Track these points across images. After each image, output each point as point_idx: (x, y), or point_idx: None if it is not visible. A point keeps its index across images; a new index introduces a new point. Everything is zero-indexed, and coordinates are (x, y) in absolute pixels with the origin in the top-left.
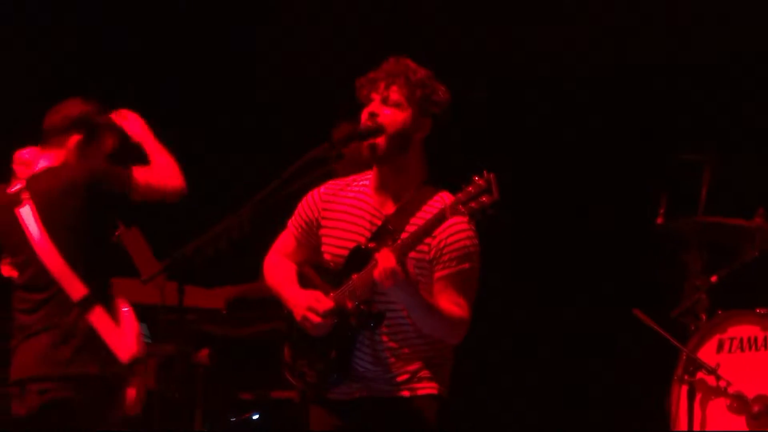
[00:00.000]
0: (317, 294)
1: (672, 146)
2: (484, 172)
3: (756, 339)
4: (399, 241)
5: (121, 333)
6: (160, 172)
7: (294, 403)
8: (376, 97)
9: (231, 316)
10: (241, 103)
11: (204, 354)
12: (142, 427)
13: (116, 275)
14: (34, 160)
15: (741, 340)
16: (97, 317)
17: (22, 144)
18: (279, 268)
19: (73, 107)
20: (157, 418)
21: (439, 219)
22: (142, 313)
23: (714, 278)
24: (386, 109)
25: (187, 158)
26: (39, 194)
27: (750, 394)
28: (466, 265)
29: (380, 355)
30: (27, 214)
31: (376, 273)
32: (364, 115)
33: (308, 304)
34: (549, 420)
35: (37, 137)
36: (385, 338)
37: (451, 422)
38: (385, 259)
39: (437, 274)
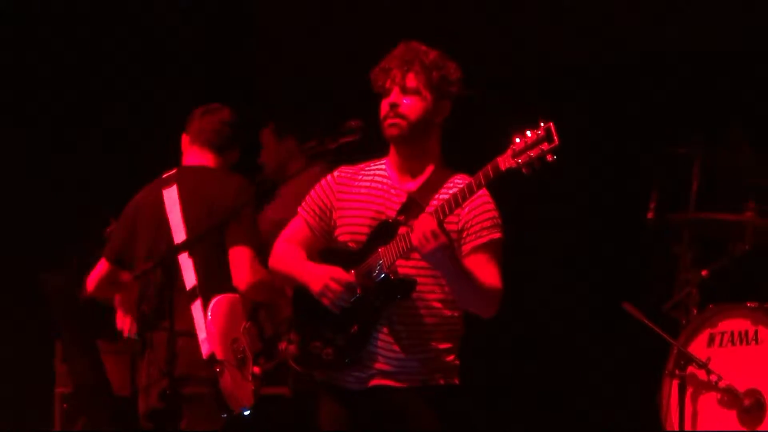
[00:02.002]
0: (335, 268)
1: (662, 141)
2: (540, 121)
3: (747, 333)
4: (436, 205)
5: (207, 331)
6: None
7: (285, 398)
8: (394, 87)
9: None
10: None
11: None
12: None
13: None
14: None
15: (732, 334)
16: (196, 310)
17: None
18: (289, 252)
19: (232, 116)
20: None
21: (492, 172)
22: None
23: (705, 272)
24: (406, 98)
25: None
26: (190, 187)
27: (741, 388)
28: (496, 235)
29: (397, 330)
30: (172, 195)
31: (415, 237)
32: (385, 106)
33: (329, 274)
34: (539, 414)
35: None
36: (404, 316)
37: (463, 411)
38: (424, 223)
39: (468, 246)
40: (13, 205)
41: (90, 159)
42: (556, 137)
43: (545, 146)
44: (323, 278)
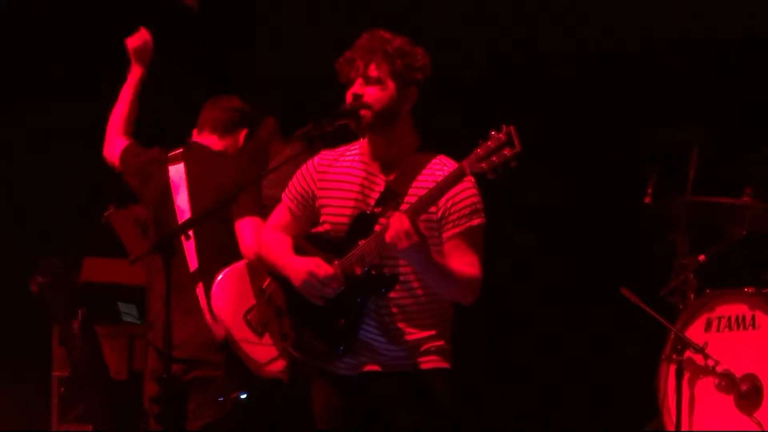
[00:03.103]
0: (317, 260)
1: (660, 125)
2: (503, 125)
3: (744, 318)
4: (411, 203)
5: (216, 313)
6: None
7: (283, 382)
8: (357, 78)
9: None
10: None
11: None
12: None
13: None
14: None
15: (729, 319)
16: (200, 293)
17: None
18: (274, 241)
19: (240, 103)
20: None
21: (458, 176)
22: (131, 293)
23: (702, 257)
24: (369, 88)
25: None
26: (196, 167)
27: (738, 373)
28: (475, 222)
29: (385, 321)
30: (178, 172)
31: (389, 236)
32: (349, 97)
33: (308, 269)
34: (537, 397)
35: None
36: (390, 305)
37: (457, 394)
38: (398, 221)
39: (447, 233)
40: (11, 190)
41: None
42: (517, 143)
43: (507, 152)
44: (302, 273)
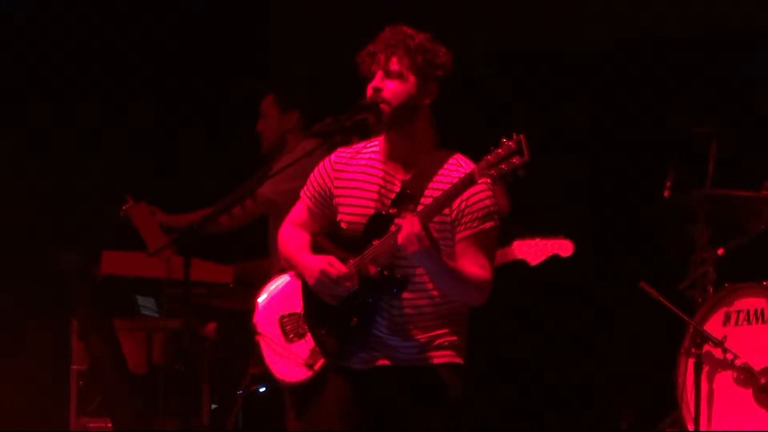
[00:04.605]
0: (330, 258)
1: (679, 119)
2: (513, 134)
3: (763, 311)
4: (423, 206)
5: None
6: None
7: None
8: (378, 71)
9: (238, 289)
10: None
11: (211, 328)
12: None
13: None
14: None
15: (748, 313)
16: None
17: None
18: (292, 238)
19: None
20: (164, 392)
21: (467, 183)
22: (149, 287)
23: (721, 251)
24: (389, 81)
25: (195, 132)
26: None
27: (757, 367)
28: (488, 225)
29: (397, 321)
30: None
31: (401, 238)
32: (369, 90)
33: (321, 267)
34: (555, 392)
35: None
36: (403, 305)
37: (469, 390)
38: (409, 224)
39: (459, 235)
40: (31, 183)
41: (109, 139)
42: (526, 151)
43: (516, 160)
44: (315, 272)
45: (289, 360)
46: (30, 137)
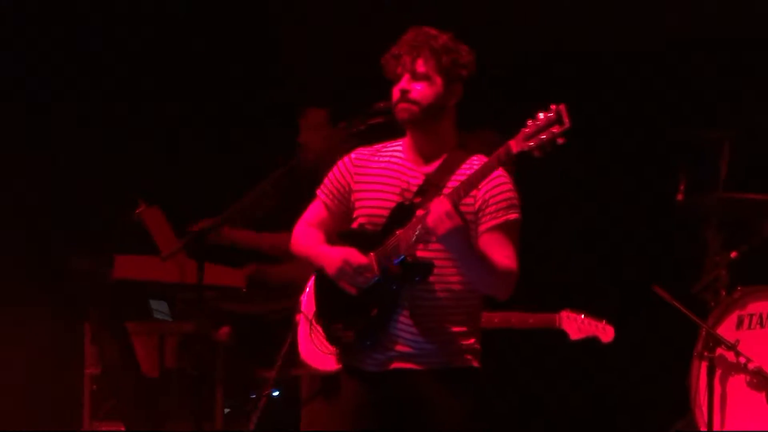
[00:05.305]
0: (351, 249)
1: (691, 123)
2: (552, 105)
3: None
4: (452, 188)
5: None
6: None
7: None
8: (404, 73)
9: (251, 293)
10: (262, 80)
11: (224, 332)
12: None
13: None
14: None
15: (761, 316)
16: None
17: None
18: (307, 234)
19: None
20: (176, 396)
21: (502, 159)
22: (162, 290)
23: (734, 254)
24: (416, 84)
25: (208, 136)
26: None
27: None
28: (512, 216)
29: (417, 313)
30: None
31: (431, 219)
32: (396, 93)
33: (343, 257)
34: (566, 393)
35: None
36: (424, 297)
37: (483, 394)
38: (439, 205)
39: (483, 226)
40: (45, 188)
41: (120, 143)
42: (566, 120)
43: (556, 129)
44: (337, 261)
45: (321, 347)
46: (44, 141)
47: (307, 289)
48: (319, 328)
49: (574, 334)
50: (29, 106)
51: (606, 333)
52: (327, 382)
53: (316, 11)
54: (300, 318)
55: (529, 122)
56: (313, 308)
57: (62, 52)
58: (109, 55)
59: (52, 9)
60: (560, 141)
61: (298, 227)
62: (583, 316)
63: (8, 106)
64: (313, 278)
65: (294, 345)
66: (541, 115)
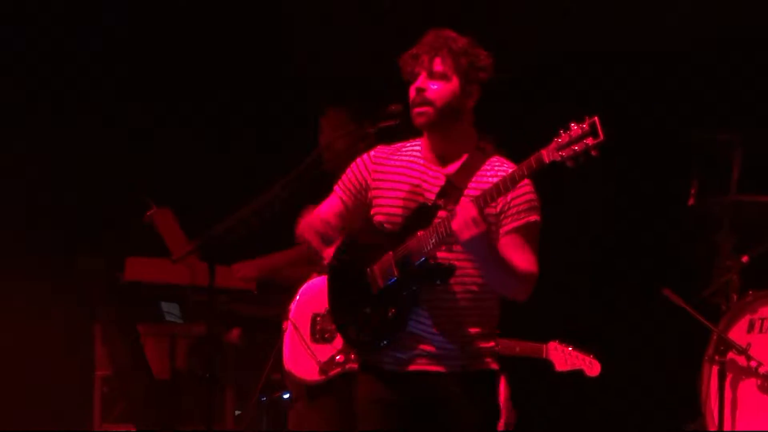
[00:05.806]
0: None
1: (703, 125)
2: (586, 117)
3: None
4: (480, 192)
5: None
6: None
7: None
8: (422, 72)
9: (262, 296)
10: (272, 83)
11: (235, 334)
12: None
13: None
14: None
15: None
16: None
17: None
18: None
19: None
20: (187, 398)
21: (533, 166)
22: (173, 293)
23: (745, 258)
24: (433, 83)
25: (218, 139)
26: None
27: None
28: (533, 218)
29: (436, 314)
30: None
31: (456, 223)
32: (412, 92)
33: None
34: (576, 397)
35: None
36: (442, 298)
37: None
38: (466, 210)
39: (505, 227)
40: (54, 189)
41: (134, 145)
42: (601, 132)
43: (590, 141)
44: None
45: (306, 357)
46: (55, 142)
47: (298, 297)
48: (306, 336)
49: (561, 366)
50: (53, 107)
51: (592, 368)
52: (310, 390)
53: (320, 10)
54: (287, 325)
55: (562, 132)
56: (302, 316)
57: (66, 52)
58: (110, 55)
59: (52, 9)
60: (594, 153)
61: (305, 214)
62: (571, 348)
63: (23, 106)
64: (306, 285)
65: (279, 352)
66: (574, 127)
